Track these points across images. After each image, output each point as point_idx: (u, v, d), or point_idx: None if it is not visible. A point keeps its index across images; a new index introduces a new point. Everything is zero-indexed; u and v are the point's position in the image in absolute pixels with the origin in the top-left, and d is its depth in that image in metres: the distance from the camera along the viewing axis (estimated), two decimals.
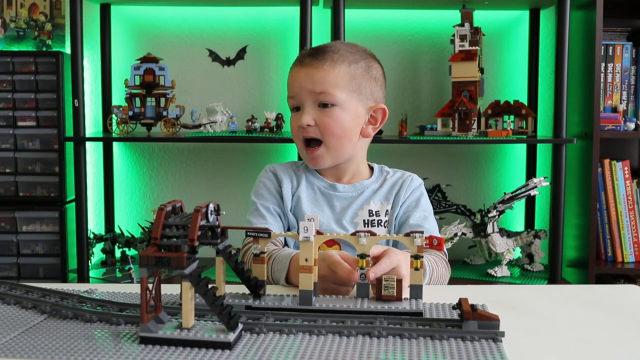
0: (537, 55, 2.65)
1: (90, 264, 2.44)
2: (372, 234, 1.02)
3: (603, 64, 2.48)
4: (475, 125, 2.38)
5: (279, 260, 1.26)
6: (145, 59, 2.43)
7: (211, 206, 0.92)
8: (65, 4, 2.63)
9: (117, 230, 2.63)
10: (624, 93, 2.51)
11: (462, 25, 2.41)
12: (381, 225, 1.44)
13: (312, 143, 1.42)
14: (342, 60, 1.41)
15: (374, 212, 1.44)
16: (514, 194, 2.30)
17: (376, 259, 1.12)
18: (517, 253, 2.58)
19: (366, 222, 1.43)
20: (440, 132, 2.46)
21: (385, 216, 1.45)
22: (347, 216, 1.44)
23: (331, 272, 1.11)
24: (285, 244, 1.44)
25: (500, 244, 2.37)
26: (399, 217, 1.46)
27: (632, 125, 2.45)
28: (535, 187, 2.27)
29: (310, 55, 1.42)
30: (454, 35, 2.42)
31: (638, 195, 2.51)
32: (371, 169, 1.54)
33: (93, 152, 2.73)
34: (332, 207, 1.45)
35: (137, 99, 2.42)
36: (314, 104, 1.40)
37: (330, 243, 1.39)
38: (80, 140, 2.34)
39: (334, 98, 1.39)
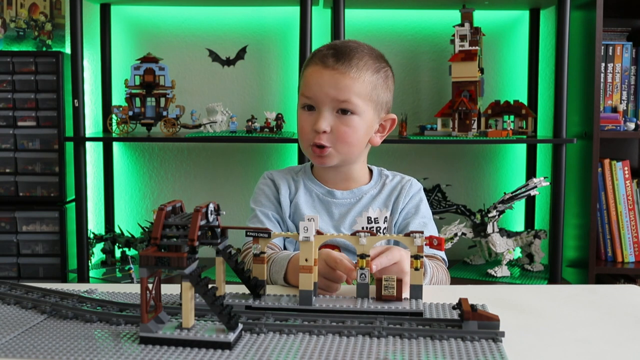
0: (537, 55, 2.65)
1: (90, 264, 2.45)
2: (372, 234, 1.02)
3: (603, 64, 2.48)
4: (475, 125, 2.38)
5: (277, 262, 1.27)
6: (145, 59, 2.43)
7: (211, 206, 0.92)
8: (65, 4, 2.63)
9: (117, 230, 2.63)
10: (624, 93, 2.51)
11: (462, 25, 2.41)
12: (380, 233, 1.43)
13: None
14: (367, 68, 1.37)
15: (372, 219, 1.43)
16: (514, 194, 2.30)
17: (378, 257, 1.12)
18: (517, 253, 2.58)
19: (365, 229, 1.42)
20: (440, 132, 2.46)
21: (384, 223, 1.44)
22: (346, 223, 1.43)
23: (326, 268, 1.11)
24: (285, 249, 1.44)
25: (500, 244, 2.37)
26: (399, 224, 1.45)
27: (632, 125, 2.45)
28: (535, 187, 2.27)
29: (334, 56, 1.36)
30: (454, 35, 2.42)
31: (638, 195, 2.51)
32: (370, 172, 1.52)
33: (93, 152, 2.73)
34: (330, 214, 1.45)
35: (137, 99, 2.42)
36: (333, 109, 1.36)
37: (329, 248, 1.38)
38: (80, 140, 2.35)
39: (355, 107, 1.36)
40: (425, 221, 1.44)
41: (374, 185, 1.48)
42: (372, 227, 1.43)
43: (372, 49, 1.44)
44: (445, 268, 1.38)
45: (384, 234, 1.43)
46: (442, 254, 1.38)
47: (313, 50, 1.55)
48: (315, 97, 1.37)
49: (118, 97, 2.65)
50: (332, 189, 1.46)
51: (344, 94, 1.35)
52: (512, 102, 2.48)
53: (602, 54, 2.47)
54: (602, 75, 2.49)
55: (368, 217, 1.43)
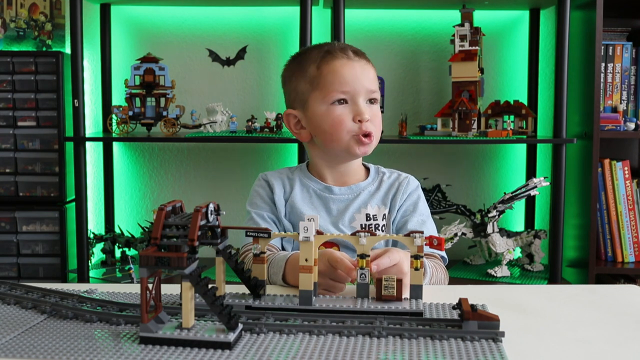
0: (537, 55, 2.65)
1: (90, 264, 2.45)
2: (372, 234, 1.02)
3: (603, 64, 2.48)
4: (475, 125, 2.38)
5: (274, 263, 1.26)
6: (145, 59, 2.43)
7: (211, 206, 0.92)
8: (65, 4, 2.63)
9: (117, 230, 2.63)
10: (624, 93, 2.51)
11: (462, 25, 2.41)
12: (379, 230, 1.43)
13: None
14: (370, 61, 1.47)
15: (371, 216, 1.44)
16: (514, 194, 2.30)
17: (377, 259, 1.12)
18: (517, 253, 2.58)
19: (363, 226, 1.42)
20: (440, 132, 2.46)
21: (382, 220, 1.44)
22: (345, 219, 1.43)
23: (329, 268, 1.11)
24: (283, 249, 1.44)
25: (500, 244, 2.37)
26: (397, 222, 1.45)
27: (632, 125, 2.45)
28: (535, 187, 2.26)
29: (352, 50, 1.44)
30: (454, 35, 2.42)
31: (638, 195, 2.51)
32: (367, 169, 1.53)
33: (93, 152, 2.73)
34: (328, 210, 1.45)
35: (137, 99, 2.42)
36: (365, 99, 1.41)
37: (329, 245, 1.38)
38: (80, 140, 2.35)
39: (378, 96, 1.44)
40: (423, 219, 1.44)
41: (371, 181, 1.49)
42: (371, 224, 1.43)
43: None
44: (443, 267, 1.38)
45: (382, 230, 1.43)
46: (442, 252, 1.38)
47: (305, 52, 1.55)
48: (352, 89, 1.40)
49: (118, 97, 2.65)
50: (330, 185, 1.46)
51: (374, 84, 1.43)
52: (512, 102, 2.48)
53: (602, 54, 2.47)
54: (602, 75, 2.49)
55: (367, 214, 1.43)
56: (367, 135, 1.39)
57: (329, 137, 1.42)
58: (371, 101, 1.42)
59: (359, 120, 1.39)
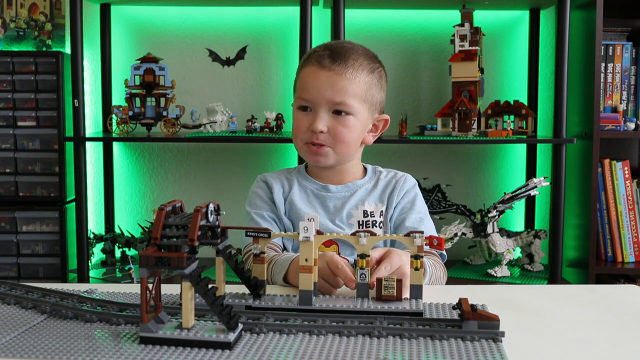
0: (537, 55, 2.65)
1: (90, 264, 2.45)
2: (372, 233, 1.02)
3: (603, 64, 2.48)
4: (475, 125, 2.38)
5: (278, 264, 1.27)
6: (145, 59, 2.43)
7: (211, 206, 0.92)
8: (65, 4, 2.63)
9: (117, 230, 2.63)
10: (624, 93, 2.51)
11: (462, 25, 2.41)
12: (376, 226, 1.44)
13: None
14: (362, 68, 1.39)
15: (368, 213, 1.44)
16: (514, 194, 2.30)
17: (379, 263, 1.12)
18: (517, 253, 2.58)
19: (361, 223, 1.43)
20: (440, 132, 2.46)
21: (380, 217, 1.45)
22: (342, 216, 1.43)
23: (327, 271, 1.11)
24: (285, 249, 1.44)
25: (500, 244, 2.37)
26: (394, 219, 1.46)
27: (632, 125, 2.45)
28: (535, 187, 2.27)
29: (330, 57, 1.37)
30: (454, 35, 2.42)
31: (638, 195, 2.51)
32: (365, 169, 1.53)
33: (93, 152, 2.73)
34: (325, 208, 1.45)
35: (137, 99, 2.42)
36: (329, 110, 1.38)
37: (328, 243, 1.39)
38: (80, 140, 2.35)
39: (350, 108, 1.38)
40: (421, 216, 1.45)
41: (368, 180, 1.49)
42: (369, 221, 1.43)
43: (366, 50, 1.45)
44: (442, 264, 1.38)
45: (380, 227, 1.43)
46: (442, 251, 1.38)
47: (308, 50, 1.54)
48: (311, 99, 1.38)
49: (118, 97, 2.65)
50: (327, 184, 1.47)
51: (340, 96, 1.36)
52: (512, 102, 2.48)
53: (602, 54, 2.47)
54: (602, 75, 2.49)
55: (364, 211, 1.44)
56: (316, 145, 1.38)
57: (293, 140, 1.45)
58: (339, 112, 1.38)
59: (313, 130, 1.38)
